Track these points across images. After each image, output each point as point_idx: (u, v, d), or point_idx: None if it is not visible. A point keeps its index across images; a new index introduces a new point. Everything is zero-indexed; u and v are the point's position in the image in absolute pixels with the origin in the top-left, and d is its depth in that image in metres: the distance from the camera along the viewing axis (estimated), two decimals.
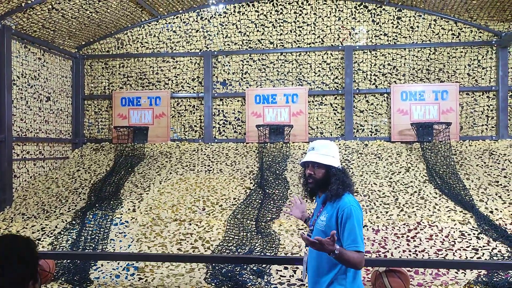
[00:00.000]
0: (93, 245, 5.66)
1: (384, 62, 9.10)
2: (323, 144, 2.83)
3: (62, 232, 6.05)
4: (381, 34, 9.10)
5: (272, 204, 6.67)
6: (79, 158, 9.11)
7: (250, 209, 6.50)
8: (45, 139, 8.51)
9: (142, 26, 9.58)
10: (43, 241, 5.90)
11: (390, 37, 9.08)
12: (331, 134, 9.15)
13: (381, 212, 6.32)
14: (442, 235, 5.65)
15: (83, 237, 5.84)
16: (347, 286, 2.58)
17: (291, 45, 9.30)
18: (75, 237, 5.87)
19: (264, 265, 4.70)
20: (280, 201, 6.79)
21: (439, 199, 6.69)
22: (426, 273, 4.81)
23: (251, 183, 7.49)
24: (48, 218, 6.63)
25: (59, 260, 5.03)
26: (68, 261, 5.11)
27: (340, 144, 8.81)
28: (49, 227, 6.29)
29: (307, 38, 9.26)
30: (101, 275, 4.87)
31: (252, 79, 9.40)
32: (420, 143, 8.42)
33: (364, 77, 9.13)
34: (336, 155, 2.80)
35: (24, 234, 6.14)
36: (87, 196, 7.35)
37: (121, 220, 6.30)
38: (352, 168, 7.84)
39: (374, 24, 9.10)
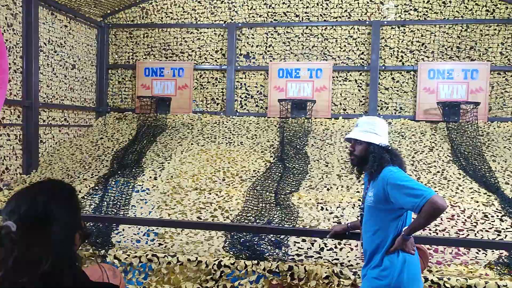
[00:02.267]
0: (115, 211, 5.78)
1: (413, 38, 8.85)
2: (367, 120, 2.81)
3: (85, 197, 6.19)
4: (411, 9, 8.82)
5: (291, 178, 6.67)
6: (102, 127, 9.24)
7: (269, 181, 6.51)
8: (70, 106, 8.64)
9: None
10: None
11: (420, 12, 8.79)
12: (354, 111, 9.02)
13: None
14: (464, 216, 5.56)
15: (105, 203, 5.97)
16: (394, 260, 2.61)
17: (317, 18, 9.11)
18: (97, 202, 6.00)
19: (282, 236, 4.72)
20: (300, 175, 6.78)
21: (463, 180, 6.56)
22: (446, 252, 4.76)
23: (271, 156, 7.48)
24: (72, 183, 6.77)
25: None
26: (91, 224, 5.23)
27: None
28: None
29: (334, 12, 9.04)
30: (122, 239, 4.98)
31: (276, 52, 9.28)
32: (446, 123, 8.23)
33: (390, 53, 8.91)
34: (381, 132, 2.76)
35: None
36: (109, 163, 7.48)
37: (142, 187, 6.40)
38: None
39: None
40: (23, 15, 7.27)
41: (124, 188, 6.33)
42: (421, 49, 8.82)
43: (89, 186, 6.55)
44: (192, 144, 8.08)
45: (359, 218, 3.00)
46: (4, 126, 6.96)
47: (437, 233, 5.21)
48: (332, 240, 4.71)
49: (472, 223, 5.39)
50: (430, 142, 7.88)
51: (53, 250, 1.29)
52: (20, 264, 1.25)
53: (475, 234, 5.15)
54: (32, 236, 1.28)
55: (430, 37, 8.77)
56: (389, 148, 2.77)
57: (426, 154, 7.47)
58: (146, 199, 6.11)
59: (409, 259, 2.62)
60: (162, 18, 9.61)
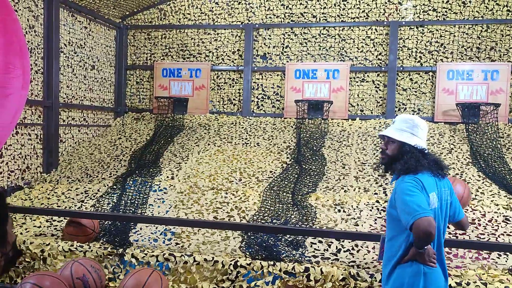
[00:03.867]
0: (133, 209, 5.84)
1: (431, 39, 8.74)
2: (405, 118, 2.64)
3: (103, 196, 6.27)
4: (429, 10, 8.71)
5: (308, 179, 6.65)
6: (120, 127, 9.35)
7: (286, 182, 6.50)
8: (89, 106, 8.77)
9: None
10: (86, 203, 6.15)
11: (439, 12, 8.68)
12: (371, 112, 8.95)
13: None
14: (485, 219, 5.47)
15: (123, 201, 6.04)
16: (404, 271, 2.50)
17: (335, 19, 9.07)
18: (115, 201, 6.08)
19: (299, 237, 4.72)
20: (317, 177, 6.76)
21: (483, 182, 6.46)
22: (466, 256, 4.69)
23: (287, 157, 7.47)
24: (91, 182, 6.88)
25: (101, 221, 5.23)
26: (110, 223, 5.31)
27: (380, 122, 8.62)
28: (92, 191, 6.53)
29: (352, 13, 8.99)
30: (140, 238, 5.04)
31: (292, 53, 9.27)
32: (465, 124, 8.10)
33: (409, 54, 8.81)
34: (419, 132, 2.59)
35: (68, 195, 6.42)
36: (127, 163, 7.56)
37: (159, 187, 6.46)
38: None
39: None
40: (45, 17, 7.41)
41: (141, 188, 6.40)
42: (440, 50, 8.71)
43: (107, 185, 6.64)
44: (208, 144, 8.12)
45: None
46: (25, 126, 7.10)
47: (457, 237, 5.14)
48: (349, 242, 4.69)
49: (493, 227, 5.29)
50: (449, 143, 7.77)
51: None
52: None
53: (496, 238, 5.07)
54: None
55: (449, 38, 8.66)
56: (425, 151, 2.61)
57: (445, 156, 7.37)
58: (163, 199, 6.16)
59: (427, 271, 2.46)
60: (179, 19, 9.68)
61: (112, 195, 6.26)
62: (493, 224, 5.34)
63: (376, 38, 8.92)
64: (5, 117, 3.79)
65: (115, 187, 6.51)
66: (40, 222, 5.53)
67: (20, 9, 6.88)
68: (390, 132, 2.62)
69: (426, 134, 2.69)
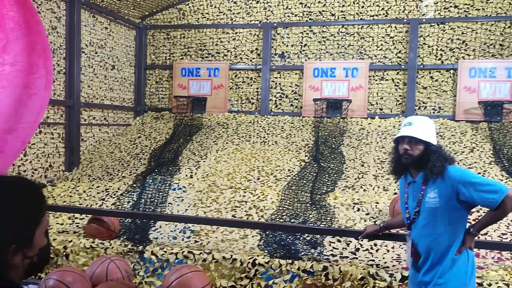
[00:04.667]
0: (152, 208, 5.91)
1: (453, 36, 8.59)
2: (423, 119, 2.72)
3: (124, 194, 6.37)
4: (451, 6, 8.57)
5: (327, 178, 6.62)
6: (140, 126, 9.47)
7: (304, 181, 6.49)
8: (109, 106, 8.91)
9: None
10: (107, 201, 6.25)
11: (461, 9, 8.53)
12: (391, 111, 8.86)
13: None
14: (508, 219, 5.36)
15: (143, 200, 6.12)
16: (464, 260, 2.60)
17: (353, 17, 9.00)
18: (135, 199, 6.16)
19: (317, 236, 4.71)
20: (335, 175, 6.73)
21: (506, 182, 6.33)
22: (488, 256, 4.61)
23: (306, 156, 7.46)
24: (111, 180, 6.99)
25: (122, 219, 5.31)
26: (130, 220, 5.38)
27: (400, 121, 8.52)
28: (112, 189, 6.64)
29: (370, 10, 8.91)
30: (159, 236, 5.10)
31: (311, 51, 9.24)
32: (488, 123, 7.95)
33: (429, 51, 8.69)
34: (434, 132, 2.70)
35: (90, 193, 6.54)
36: (147, 161, 7.66)
37: (178, 185, 6.52)
38: None
39: None
40: (67, 18, 7.56)
41: (161, 186, 6.47)
42: (462, 47, 8.56)
43: (127, 183, 6.73)
44: (227, 143, 8.16)
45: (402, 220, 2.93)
46: (48, 125, 7.25)
47: (478, 237, 5.05)
48: (368, 241, 4.65)
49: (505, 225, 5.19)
50: (471, 142, 7.63)
51: None
52: None
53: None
54: None
55: (471, 35, 8.50)
56: (442, 148, 2.71)
57: (467, 154, 7.25)
58: (182, 197, 6.22)
59: (471, 254, 2.63)
60: (198, 19, 9.75)
61: (132, 193, 6.35)
62: (505, 222, 5.23)
63: (396, 36, 8.82)
64: (29, 116, 3.89)
65: (135, 185, 6.60)
66: (62, 219, 5.64)
67: (43, 11, 7.03)
68: (416, 133, 2.64)
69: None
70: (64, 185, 6.91)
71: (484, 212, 4.31)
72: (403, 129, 2.69)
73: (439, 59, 8.66)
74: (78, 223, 5.52)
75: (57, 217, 5.70)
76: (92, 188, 6.71)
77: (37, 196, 1.24)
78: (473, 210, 5.21)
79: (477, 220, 2.64)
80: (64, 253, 4.64)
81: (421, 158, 2.63)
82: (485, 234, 5.08)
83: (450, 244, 2.59)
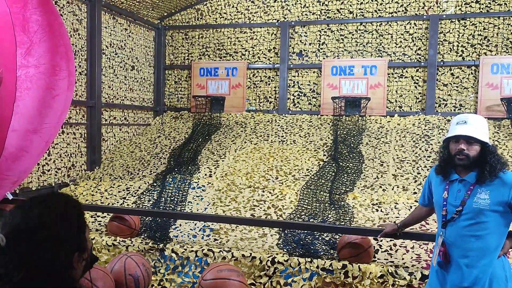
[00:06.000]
0: (172, 206, 5.99)
1: (474, 32, 8.45)
2: (477, 118, 2.66)
3: (144, 193, 6.47)
4: (472, 2, 8.42)
5: (345, 177, 6.60)
6: (159, 125, 9.58)
7: (323, 180, 6.48)
8: (129, 106, 9.04)
9: None
10: (128, 199, 6.36)
11: (482, 4, 8.37)
12: (410, 108, 8.76)
13: None
14: None
15: (163, 198, 6.20)
16: (504, 264, 2.63)
17: (372, 14, 8.93)
18: (156, 198, 6.25)
19: (336, 236, 4.70)
20: (354, 175, 6.70)
21: None
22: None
23: (324, 155, 7.44)
24: (132, 179, 7.10)
25: (142, 217, 5.40)
26: (150, 219, 5.47)
27: (420, 119, 8.42)
28: (133, 188, 6.74)
29: (389, 7, 8.82)
30: (179, 234, 5.16)
31: (329, 50, 9.20)
32: (511, 120, 7.80)
33: (450, 48, 8.56)
34: (488, 131, 2.66)
35: (111, 192, 6.66)
36: (167, 160, 7.75)
37: (198, 184, 6.58)
38: (431, 144, 7.49)
39: None
40: (88, 20, 7.70)
41: (180, 185, 6.55)
42: (483, 43, 8.41)
43: (148, 182, 6.83)
44: (245, 142, 8.20)
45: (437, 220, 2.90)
46: (70, 125, 7.41)
47: None
48: (387, 241, 4.63)
49: None
50: (493, 140, 7.50)
51: (32, 264, 1.23)
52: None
53: None
54: (17, 248, 1.24)
55: (493, 30, 8.34)
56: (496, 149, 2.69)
57: None
58: (201, 196, 6.28)
59: (507, 262, 2.64)
60: (216, 18, 9.80)
61: (153, 192, 6.44)
62: None
63: (415, 32, 8.72)
64: (52, 117, 3.99)
65: (155, 184, 6.69)
66: (85, 218, 5.75)
67: (65, 13, 7.18)
68: (474, 132, 2.58)
69: None
70: (86, 184, 7.05)
71: None
72: (457, 128, 2.62)
73: (460, 55, 8.52)
74: (100, 221, 5.63)
75: None
76: (113, 187, 6.83)
77: (79, 205, 1.43)
78: None
79: None
80: None
81: (477, 159, 2.59)
82: None
83: (493, 247, 2.56)
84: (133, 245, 4.68)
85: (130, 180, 7.06)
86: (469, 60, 8.45)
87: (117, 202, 6.31)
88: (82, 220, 1.40)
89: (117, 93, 8.67)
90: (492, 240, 2.56)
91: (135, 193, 6.54)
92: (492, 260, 2.56)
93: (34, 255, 1.24)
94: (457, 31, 8.52)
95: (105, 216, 5.65)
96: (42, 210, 1.30)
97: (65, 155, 7.28)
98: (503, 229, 2.59)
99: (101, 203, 6.33)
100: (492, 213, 2.54)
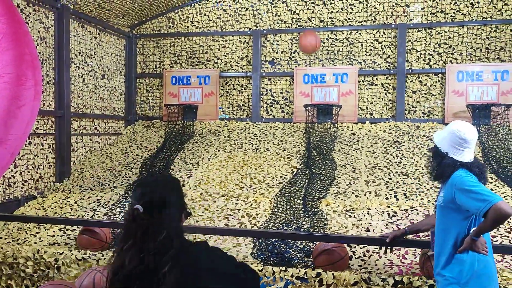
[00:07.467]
0: None
1: (440, 40, 8.70)
2: (448, 126, 2.98)
3: (115, 204, 6.33)
4: (437, 11, 8.68)
5: (319, 184, 6.64)
6: (131, 135, 9.43)
7: (296, 188, 6.50)
8: (100, 115, 8.87)
9: (193, 5, 9.67)
10: (99, 211, 6.21)
11: (447, 14, 8.64)
12: (381, 115, 8.93)
13: (431, 196, 6.13)
14: None
15: None
16: (463, 260, 2.75)
17: (342, 23, 9.08)
18: (127, 209, 6.12)
19: (311, 243, 4.71)
20: (327, 181, 6.75)
21: (495, 184, 6.40)
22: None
23: (297, 162, 7.48)
24: (103, 191, 6.95)
25: (114, 229, 5.27)
26: (119, 231, 5.34)
27: (390, 125, 8.58)
28: (104, 199, 6.59)
29: (359, 16, 9.00)
30: None
31: (300, 58, 9.29)
32: (476, 126, 8.03)
33: (417, 56, 8.79)
34: (449, 136, 2.88)
35: (81, 204, 6.49)
36: (138, 171, 7.63)
37: None
38: (402, 150, 7.63)
39: (430, 0, 8.69)
40: (55, 29, 7.53)
41: None
42: (449, 51, 8.67)
43: (119, 193, 6.70)
44: (219, 150, 8.16)
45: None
46: (38, 136, 7.20)
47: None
48: (361, 248, 4.67)
49: (505, 229, 5.24)
50: None
51: (167, 225, 1.71)
52: (145, 235, 1.67)
53: (510, 240, 5.01)
54: (152, 216, 1.71)
55: (458, 39, 8.61)
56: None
57: None
58: None
59: (481, 258, 2.71)
60: (188, 27, 9.77)
61: (124, 203, 6.32)
62: (505, 227, 5.28)
63: (384, 41, 8.91)
64: (18, 127, 3.86)
65: (126, 195, 6.56)
66: (53, 231, 5.59)
67: (31, 21, 7.01)
68: (434, 139, 3.07)
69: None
70: (55, 196, 6.85)
71: None
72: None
73: (427, 63, 8.76)
74: (69, 234, 5.47)
75: (48, 229, 5.65)
76: (83, 199, 6.67)
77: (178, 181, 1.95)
78: None
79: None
80: (56, 266, 4.60)
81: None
82: None
83: (450, 243, 2.79)
84: (104, 258, 4.56)
85: (101, 191, 6.91)
86: (436, 67, 8.69)
87: (87, 215, 6.15)
88: (182, 190, 1.91)
89: (87, 102, 8.49)
90: (451, 236, 2.80)
91: (106, 205, 6.40)
92: (454, 254, 2.77)
93: (170, 218, 1.73)
94: (424, 39, 8.76)
95: (74, 229, 5.49)
96: (161, 188, 1.80)
97: (32, 167, 7.06)
98: (461, 225, 2.77)
99: (70, 215, 6.15)
100: (448, 210, 2.82)
